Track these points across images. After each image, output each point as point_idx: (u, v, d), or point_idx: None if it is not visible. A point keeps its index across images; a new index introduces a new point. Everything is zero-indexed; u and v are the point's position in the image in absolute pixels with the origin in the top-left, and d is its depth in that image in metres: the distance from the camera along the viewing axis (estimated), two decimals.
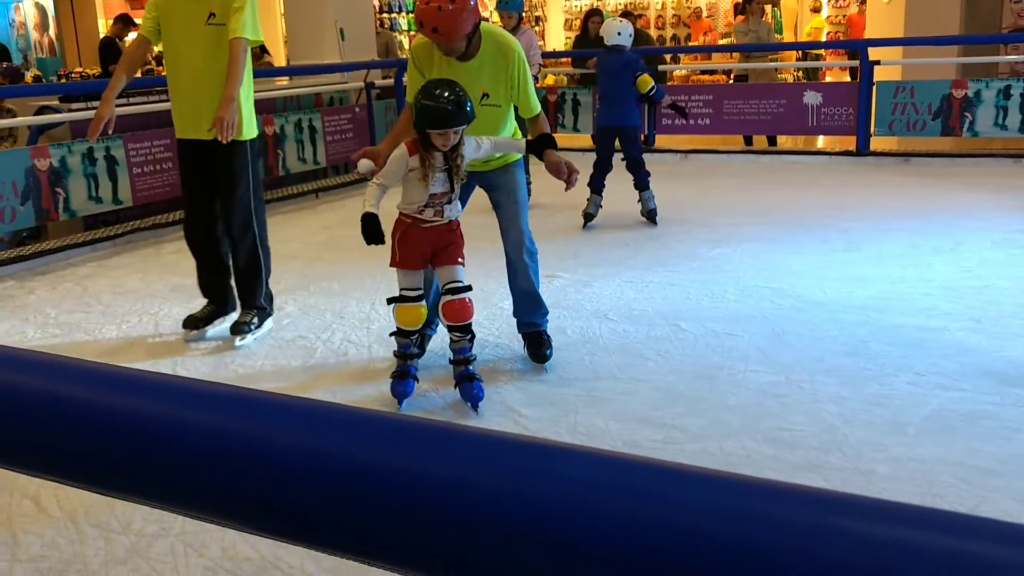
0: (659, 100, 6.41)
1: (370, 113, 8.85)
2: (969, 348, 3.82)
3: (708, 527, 0.52)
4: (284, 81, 9.38)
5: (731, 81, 11.41)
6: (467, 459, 0.60)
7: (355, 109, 8.81)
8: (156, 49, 4.40)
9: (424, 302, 3.47)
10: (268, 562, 2.43)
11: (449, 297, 3.39)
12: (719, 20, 15.18)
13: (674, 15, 15.40)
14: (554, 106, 9.76)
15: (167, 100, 4.32)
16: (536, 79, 6.07)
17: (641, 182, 6.27)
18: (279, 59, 13.37)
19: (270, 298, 4.41)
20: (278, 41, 14.24)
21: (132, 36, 7.99)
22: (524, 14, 7.33)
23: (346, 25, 9.47)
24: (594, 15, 9.93)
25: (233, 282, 4.35)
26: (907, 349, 3.81)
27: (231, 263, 4.30)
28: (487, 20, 3.92)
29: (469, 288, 3.42)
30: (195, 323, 4.30)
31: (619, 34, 6.13)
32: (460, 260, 3.42)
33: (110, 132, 4.07)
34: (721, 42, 14.38)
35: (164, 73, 4.33)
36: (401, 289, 3.44)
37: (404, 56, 11.48)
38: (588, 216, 6.33)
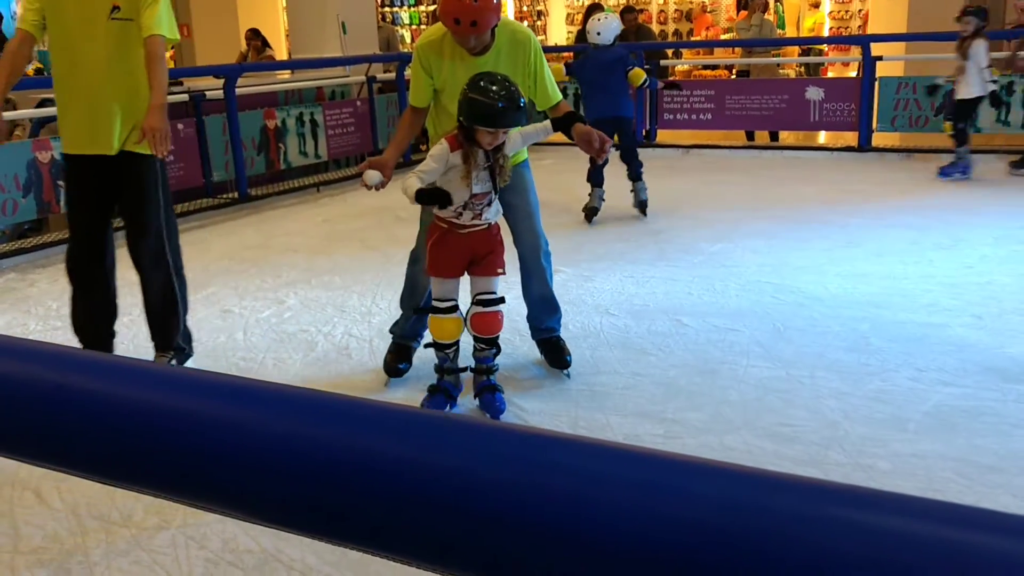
0: (655, 89, 6.63)
1: (371, 107, 8.85)
2: (970, 344, 3.82)
3: (715, 519, 0.52)
4: (286, 75, 9.39)
5: (733, 76, 11.40)
6: (471, 449, 0.60)
7: (357, 103, 8.80)
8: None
9: (459, 313, 3.27)
10: (269, 555, 2.44)
11: (480, 309, 3.22)
12: (721, 15, 15.17)
13: (676, 10, 15.39)
14: None
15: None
16: None
17: (634, 172, 6.31)
18: (281, 53, 13.37)
19: (188, 337, 3.75)
20: (280, 35, 14.23)
21: None
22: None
23: (348, 19, 9.47)
24: (595, 10, 9.91)
25: (145, 321, 3.67)
26: (908, 345, 3.81)
27: (143, 299, 3.62)
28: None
29: (502, 300, 3.26)
30: None
31: (599, 34, 6.20)
32: (500, 270, 3.24)
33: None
34: (723, 37, 14.36)
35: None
36: (433, 299, 3.27)
37: (405, 50, 11.49)
38: (593, 211, 6.33)
